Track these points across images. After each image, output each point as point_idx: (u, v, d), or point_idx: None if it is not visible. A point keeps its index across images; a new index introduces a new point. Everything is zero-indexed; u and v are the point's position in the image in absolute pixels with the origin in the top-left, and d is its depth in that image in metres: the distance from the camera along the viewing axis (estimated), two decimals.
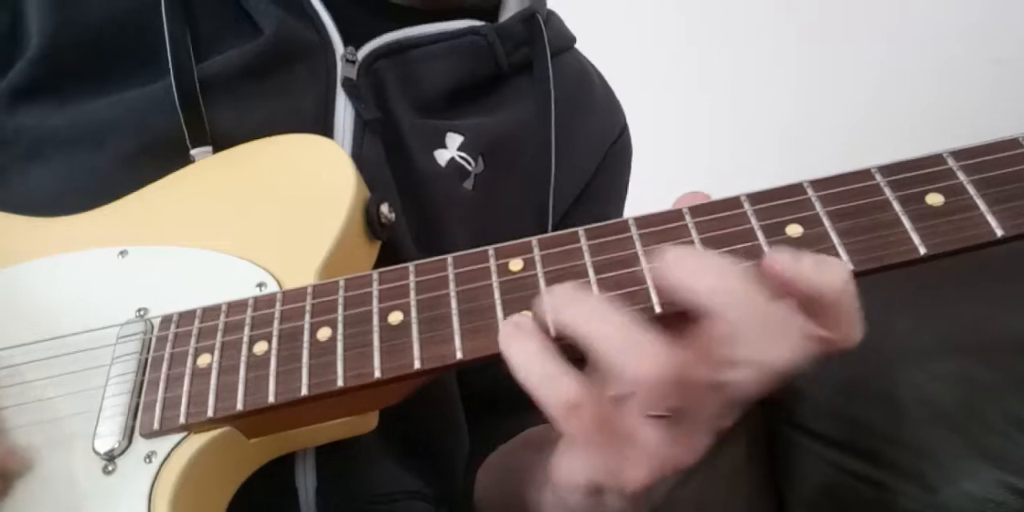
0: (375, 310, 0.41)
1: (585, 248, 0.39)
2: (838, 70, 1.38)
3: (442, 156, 0.60)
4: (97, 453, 0.42)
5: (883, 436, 1.00)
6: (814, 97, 1.39)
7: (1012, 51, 1.30)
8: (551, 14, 0.71)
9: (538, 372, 0.34)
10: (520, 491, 0.49)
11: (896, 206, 0.36)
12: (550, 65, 0.65)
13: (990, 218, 0.35)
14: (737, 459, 1.10)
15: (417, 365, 0.39)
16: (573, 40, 0.73)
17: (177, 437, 0.42)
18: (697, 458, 0.35)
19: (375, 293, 0.41)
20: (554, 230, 0.63)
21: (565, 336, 0.35)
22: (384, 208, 0.50)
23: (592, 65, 0.75)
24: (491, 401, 0.63)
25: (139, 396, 0.43)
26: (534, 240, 0.40)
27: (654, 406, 0.33)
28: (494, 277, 0.40)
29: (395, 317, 0.40)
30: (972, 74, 1.31)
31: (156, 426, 0.42)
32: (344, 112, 0.57)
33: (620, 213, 0.74)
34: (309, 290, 0.43)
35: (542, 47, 0.66)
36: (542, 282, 0.39)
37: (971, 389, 0.97)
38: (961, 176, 0.36)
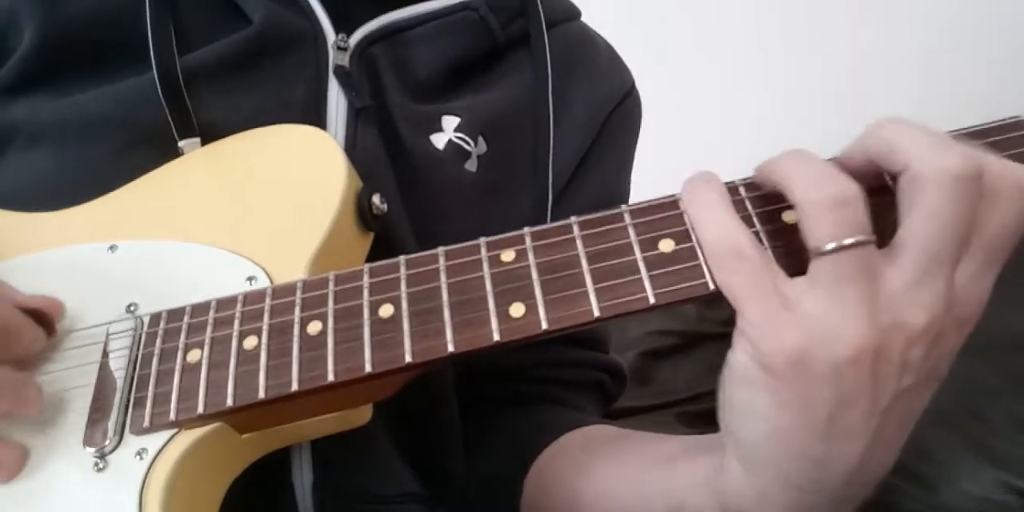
0: (366, 304, 0.40)
1: (578, 238, 0.38)
2: (837, 69, 1.38)
3: (439, 139, 0.59)
4: (88, 450, 0.41)
5: None
6: (814, 97, 1.39)
7: (1012, 51, 1.29)
8: None
9: (716, 220, 0.34)
10: (603, 487, 0.48)
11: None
12: (545, 34, 0.64)
13: None
14: None
15: (408, 358, 0.38)
16: (576, 11, 0.72)
17: (168, 433, 0.41)
18: (857, 345, 0.31)
19: (366, 286, 0.41)
20: (555, 204, 0.62)
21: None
22: (376, 199, 0.50)
23: (597, 34, 0.73)
24: (500, 390, 0.62)
25: (129, 393, 0.42)
26: (527, 231, 0.39)
27: (829, 230, 0.31)
28: (485, 268, 0.39)
29: (386, 310, 0.39)
30: (971, 74, 1.31)
31: (146, 423, 0.41)
32: (337, 101, 0.56)
33: (622, 179, 0.72)
34: (299, 284, 0.42)
35: (537, 16, 0.64)
36: (534, 273, 0.38)
37: (971, 389, 0.97)
38: None
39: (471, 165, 0.60)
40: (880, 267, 0.32)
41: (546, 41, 0.64)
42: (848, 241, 0.31)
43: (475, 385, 0.61)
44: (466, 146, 0.59)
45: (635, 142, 0.74)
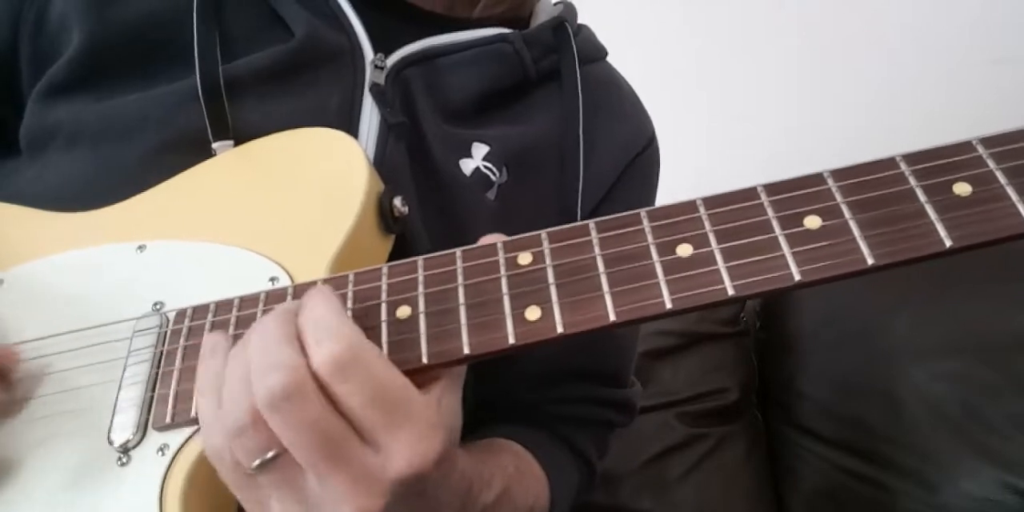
0: (383, 304, 0.38)
1: (595, 241, 0.36)
2: (838, 71, 1.36)
3: (467, 165, 0.58)
4: (112, 445, 0.41)
5: (883, 436, 0.98)
6: (816, 98, 1.37)
7: (1012, 51, 1.26)
8: (582, 27, 0.69)
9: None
10: None
11: (921, 196, 0.32)
12: (578, 72, 0.63)
13: (1022, 208, 0.31)
14: (737, 459, 1.08)
15: (425, 360, 0.36)
16: (604, 52, 0.71)
17: (189, 430, 0.40)
18: None
19: (384, 287, 0.39)
20: None
21: None
22: (397, 201, 0.48)
23: (622, 76, 0.73)
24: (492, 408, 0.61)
25: (153, 389, 0.42)
26: (544, 233, 0.38)
27: (241, 458, 0.35)
28: (503, 271, 0.37)
29: (403, 311, 0.38)
30: (972, 74, 1.28)
31: (168, 419, 0.40)
32: (369, 116, 0.55)
33: None
34: (319, 284, 0.41)
35: (570, 54, 0.63)
36: (551, 276, 0.36)
37: (971, 389, 0.95)
38: (991, 164, 0.32)
39: (492, 194, 0.58)
40: (299, 471, 0.34)
41: (578, 80, 0.63)
42: (256, 462, 0.34)
43: (486, 407, 0.59)
44: (491, 176, 0.58)
45: (655, 189, 0.72)
